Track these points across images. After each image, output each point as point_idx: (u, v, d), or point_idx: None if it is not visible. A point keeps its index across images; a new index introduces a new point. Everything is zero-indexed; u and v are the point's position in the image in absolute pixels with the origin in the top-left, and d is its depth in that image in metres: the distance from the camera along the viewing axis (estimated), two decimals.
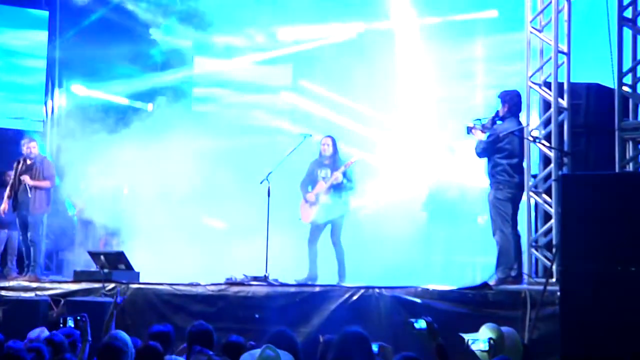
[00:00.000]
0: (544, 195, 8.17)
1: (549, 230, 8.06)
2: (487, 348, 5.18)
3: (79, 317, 6.25)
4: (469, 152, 8.42)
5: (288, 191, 9.43)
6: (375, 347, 5.10)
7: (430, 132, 11.19)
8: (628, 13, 7.80)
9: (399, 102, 11.67)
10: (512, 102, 8.18)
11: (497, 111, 8.29)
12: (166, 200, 10.60)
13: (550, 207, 8.05)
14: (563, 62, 8.18)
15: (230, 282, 8.52)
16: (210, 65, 12.89)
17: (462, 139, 8.68)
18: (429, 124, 11.41)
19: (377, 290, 7.70)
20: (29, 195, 9.72)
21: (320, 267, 9.15)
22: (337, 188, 9.08)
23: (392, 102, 11.67)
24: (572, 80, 8.20)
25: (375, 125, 11.74)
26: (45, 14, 12.43)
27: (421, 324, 5.14)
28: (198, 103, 12.87)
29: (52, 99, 12.36)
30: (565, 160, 7.95)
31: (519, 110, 8.21)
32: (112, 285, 8.52)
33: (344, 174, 9.04)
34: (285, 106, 12.52)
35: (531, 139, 8.08)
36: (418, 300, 7.49)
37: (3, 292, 8.86)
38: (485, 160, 8.26)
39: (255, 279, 8.65)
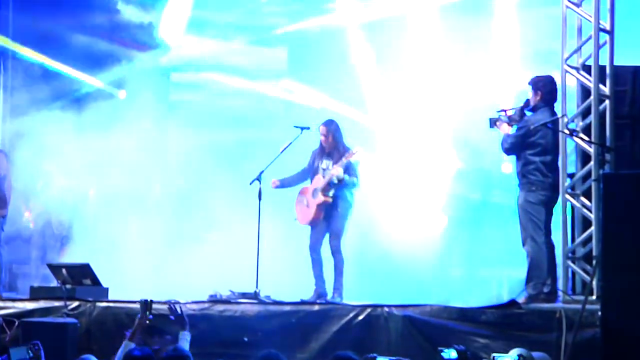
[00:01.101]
0: (583, 198, 8.18)
1: (589, 239, 8.07)
2: None
3: (30, 346, 6.23)
4: (494, 147, 8.42)
5: (283, 193, 9.41)
6: None
7: (448, 125, 11.20)
8: None
9: (412, 91, 11.67)
10: (545, 89, 8.21)
11: (527, 100, 8.32)
12: (139, 204, 10.58)
13: (590, 211, 8.06)
14: (605, 42, 8.18)
15: (215, 300, 8.51)
16: (191, 47, 12.85)
17: (486, 133, 8.66)
18: (446, 116, 11.41)
19: (386, 309, 7.70)
20: None
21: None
22: (338, 184, 9.03)
23: (405, 91, 11.67)
24: (615, 64, 8.21)
25: (386, 117, 11.73)
26: None
27: (451, 354, 5.09)
28: (176, 91, 12.85)
29: (2, 79, 12.21)
30: (608, 156, 7.96)
31: (554, 99, 8.23)
32: (75, 303, 8.49)
33: (346, 168, 8.98)
34: (278, 95, 12.50)
35: (567, 132, 8.09)
36: (435, 321, 7.48)
37: None
38: (513, 157, 8.28)
39: (244, 295, 8.64)
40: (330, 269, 9.09)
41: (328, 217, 9.07)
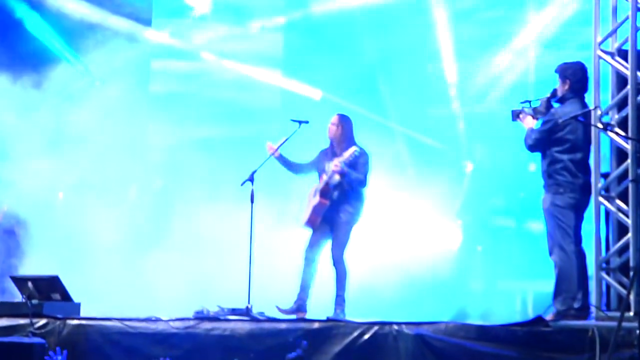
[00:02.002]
0: (618, 201, 8.14)
1: (625, 248, 8.03)
2: None
3: None
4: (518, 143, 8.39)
5: (278, 196, 9.41)
6: None
7: (466, 119, 11.22)
8: None
9: (425, 82, 11.70)
10: (574, 77, 8.18)
11: (554, 90, 8.29)
12: (115, 208, 10.57)
13: (627, 216, 8.01)
14: None
15: (201, 317, 8.49)
16: (174, 30, 12.85)
17: (509, 126, 8.63)
18: (464, 109, 11.43)
19: (395, 327, 7.68)
20: None
21: (315, 293, 9.10)
22: (341, 185, 9.01)
23: (418, 81, 11.71)
24: None
25: (397, 111, 11.75)
26: None
27: None
28: (157, 81, 12.84)
29: None
30: None
31: (584, 88, 8.20)
32: (43, 320, 8.46)
33: (353, 164, 8.95)
34: (273, 85, 12.51)
35: (601, 126, 8.05)
36: (450, 340, 7.45)
37: None
38: (538, 155, 8.23)
39: (234, 311, 8.62)
40: (322, 282, 9.09)
41: (330, 223, 9.07)
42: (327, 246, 9.08)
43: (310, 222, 9.09)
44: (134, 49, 11.95)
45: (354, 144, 9.12)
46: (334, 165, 8.98)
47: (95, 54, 11.56)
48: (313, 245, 9.11)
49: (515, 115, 8.38)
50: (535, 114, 8.30)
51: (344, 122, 9.21)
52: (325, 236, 9.10)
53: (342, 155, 8.98)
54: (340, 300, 8.93)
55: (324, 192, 9.03)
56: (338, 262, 9.00)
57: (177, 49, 12.63)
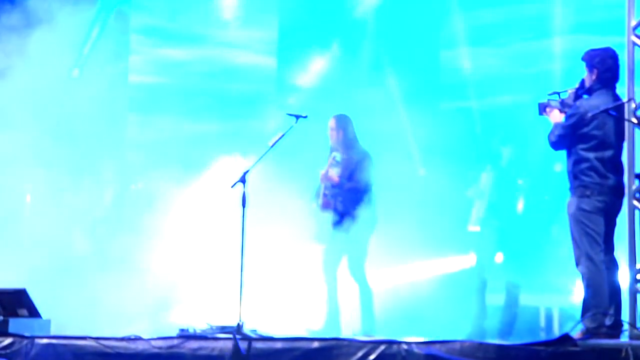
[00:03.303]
0: None
1: None
2: None
3: None
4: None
5: (274, 198, 9.42)
6: None
7: (484, 113, 11.25)
8: None
9: (438, 72, 11.74)
10: (602, 66, 8.18)
11: (582, 80, 8.29)
12: (88, 211, 10.57)
13: None
14: None
15: (187, 335, 8.48)
16: (155, 14, 12.87)
17: (533, 121, 8.65)
18: (481, 102, 11.46)
19: (404, 346, 7.65)
20: None
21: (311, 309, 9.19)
22: (342, 193, 9.05)
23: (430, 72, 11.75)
24: None
25: (406, 105, 11.78)
26: None
27: None
28: (137, 70, 12.86)
29: None
30: None
31: (614, 78, 8.20)
32: (8, 340, 8.46)
33: (350, 173, 9.02)
34: (267, 73, 12.52)
35: (635, 120, 8.05)
36: None
37: None
38: (564, 153, 8.24)
39: (224, 329, 8.61)
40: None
41: (340, 236, 9.10)
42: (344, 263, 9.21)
43: (318, 236, 9.16)
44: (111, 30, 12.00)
45: (354, 146, 9.18)
46: (321, 176, 9.11)
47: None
48: (329, 261, 9.25)
49: (542, 108, 8.36)
50: (562, 107, 8.29)
51: (344, 124, 9.28)
52: (338, 251, 9.18)
53: (325, 169, 9.11)
54: (368, 318, 9.11)
55: (325, 205, 9.21)
56: (359, 280, 9.15)
57: (158, 37, 12.68)
